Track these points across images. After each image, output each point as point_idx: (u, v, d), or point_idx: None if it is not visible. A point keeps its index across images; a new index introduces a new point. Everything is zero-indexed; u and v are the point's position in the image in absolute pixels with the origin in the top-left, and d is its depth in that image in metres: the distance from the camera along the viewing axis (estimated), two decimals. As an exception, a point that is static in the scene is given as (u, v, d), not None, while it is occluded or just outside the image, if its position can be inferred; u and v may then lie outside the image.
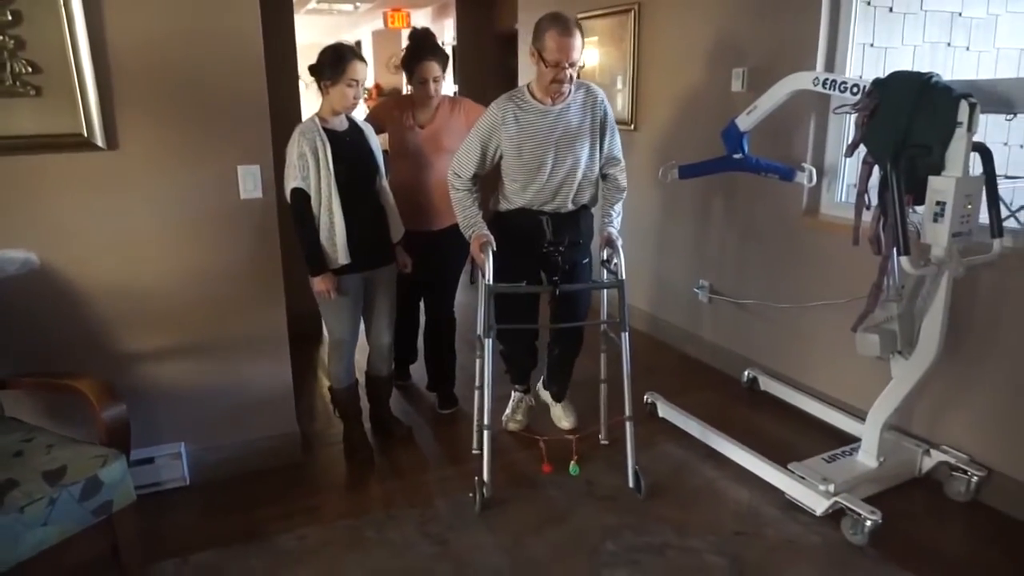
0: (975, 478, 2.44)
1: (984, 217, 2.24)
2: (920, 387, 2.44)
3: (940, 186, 2.09)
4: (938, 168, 2.12)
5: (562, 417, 3.04)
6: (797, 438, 2.89)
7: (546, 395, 3.14)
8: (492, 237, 2.57)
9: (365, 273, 2.67)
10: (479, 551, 2.25)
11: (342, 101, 2.50)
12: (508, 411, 3.04)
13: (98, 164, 2.27)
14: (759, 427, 3.01)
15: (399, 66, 3.17)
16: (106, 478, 1.84)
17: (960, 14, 3.40)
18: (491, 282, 2.51)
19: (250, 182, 2.47)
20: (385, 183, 2.73)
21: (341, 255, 2.52)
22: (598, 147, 2.64)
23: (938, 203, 2.10)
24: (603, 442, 2.85)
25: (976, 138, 2.13)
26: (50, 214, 2.25)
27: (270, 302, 2.62)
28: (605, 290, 2.90)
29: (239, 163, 2.45)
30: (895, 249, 2.14)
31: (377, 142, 2.73)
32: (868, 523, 2.21)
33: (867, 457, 2.52)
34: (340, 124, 2.58)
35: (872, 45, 3.17)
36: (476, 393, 2.75)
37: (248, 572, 2.17)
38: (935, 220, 2.12)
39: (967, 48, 3.48)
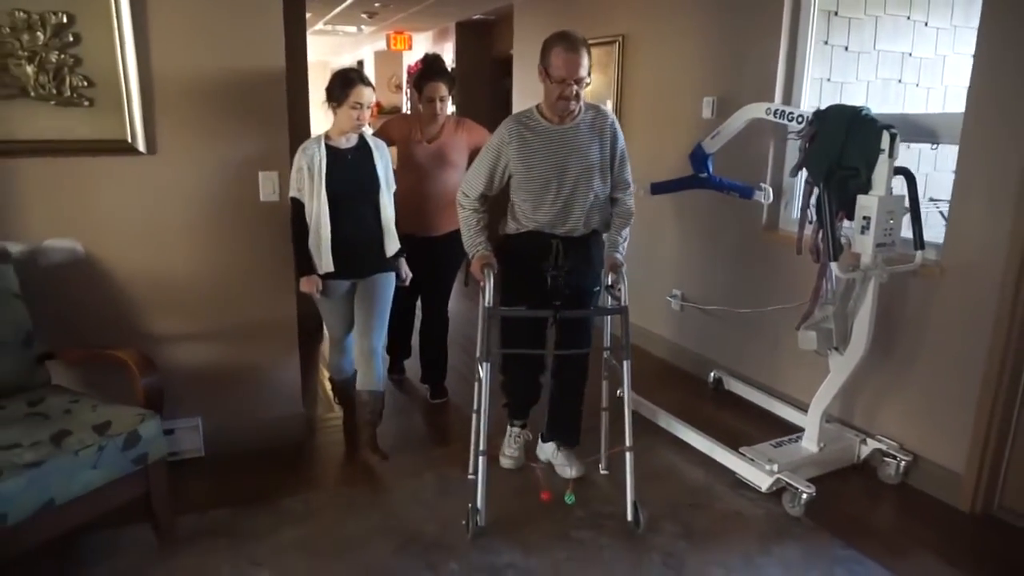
0: (903, 463, 2.76)
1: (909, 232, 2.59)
2: (854, 379, 2.77)
3: (866, 203, 2.44)
4: (865, 188, 2.47)
5: (566, 465, 2.80)
6: (753, 430, 3.21)
7: (547, 451, 2.89)
8: (494, 259, 2.56)
9: (353, 280, 2.82)
10: (464, 513, 2.54)
11: (347, 122, 2.67)
12: (504, 446, 2.86)
13: (139, 166, 2.60)
14: (720, 421, 3.32)
15: (399, 86, 3.48)
16: (144, 433, 2.15)
17: (910, 54, 3.79)
18: (490, 304, 2.48)
19: (269, 186, 2.79)
20: (386, 200, 2.80)
21: (325, 262, 2.68)
22: (608, 169, 2.60)
23: (864, 218, 2.45)
24: (603, 472, 2.81)
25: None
26: (95, 209, 2.58)
27: (282, 294, 2.93)
28: (609, 317, 2.80)
29: (260, 169, 2.77)
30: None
31: (387, 162, 2.84)
32: (804, 496, 2.53)
33: (809, 443, 2.85)
34: (346, 142, 2.72)
35: (829, 80, 3.54)
36: (473, 417, 2.70)
37: (258, 527, 2.46)
38: (862, 232, 2.46)
39: (917, 84, 3.86)
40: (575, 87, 2.42)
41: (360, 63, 11.37)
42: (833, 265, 2.46)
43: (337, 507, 2.61)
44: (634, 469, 2.49)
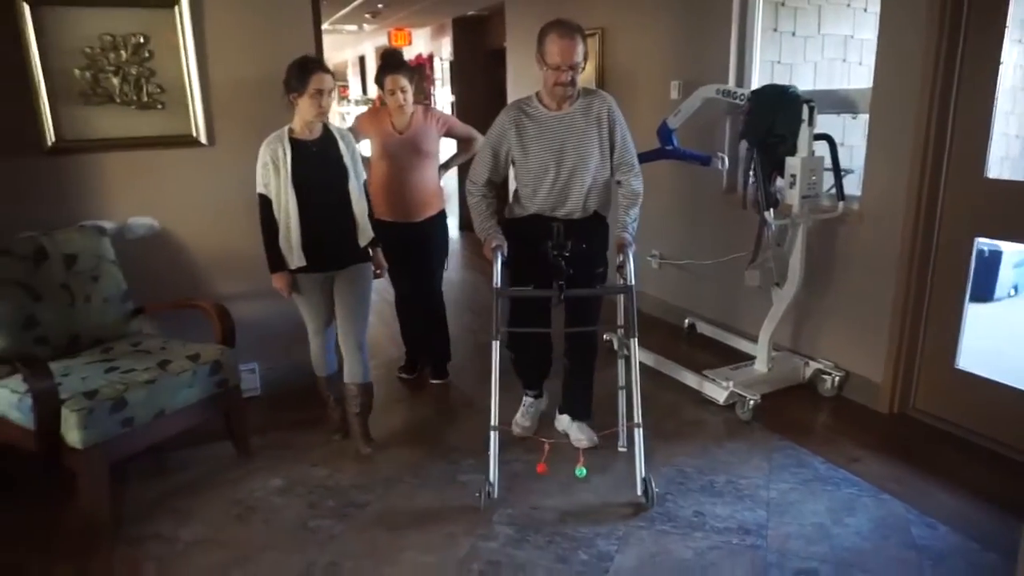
0: (837, 378, 3.35)
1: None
2: (793, 310, 3.35)
3: (792, 164, 3.01)
4: (792, 152, 3.04)
5: (581, 438, 2.90)
6: (719, 362, 3.77)
7: (563, 422, 3.02)
8: (505, 242, 2.63)
9: (327, 274, 2.80)
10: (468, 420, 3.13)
11: (309, 111, 2.61)
12: (517, 415, 2.98)
13: (201, 156, 3.19)
14: (692, 357, 3.90)
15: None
16: (224, 362, 2.76)
17: (852, 36, 4.34)
18: (498, 286, 2.57)
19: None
20: (356, 190, 2.77)
21: (296, 257, 2.69)
22: (608, 152, 2.65)
23: (791, 175, 3.02)
24: (621, 449, 2.86)
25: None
26: (167, 191, 3.17)
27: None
28: (620, 296, 2.83)
29: (298, 155, 3.35)
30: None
31: (355, 151, 2.82)
32: (751, 402, 3.12)
33: (760, 365, 3.44)
34: (311, 133, 2.70)
35: (780, 62, 4.10)
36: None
37: (311, 442, 3.07)
38: (790, 187, 3.03)
39: (860, 63, 4.41)
40: (570, 72, 2.48)
41: (361, 59, 11.93)
42: (768, 214, 3.04)
43: (374, 427, 3.19)
44: (643, 445, 2.52)
